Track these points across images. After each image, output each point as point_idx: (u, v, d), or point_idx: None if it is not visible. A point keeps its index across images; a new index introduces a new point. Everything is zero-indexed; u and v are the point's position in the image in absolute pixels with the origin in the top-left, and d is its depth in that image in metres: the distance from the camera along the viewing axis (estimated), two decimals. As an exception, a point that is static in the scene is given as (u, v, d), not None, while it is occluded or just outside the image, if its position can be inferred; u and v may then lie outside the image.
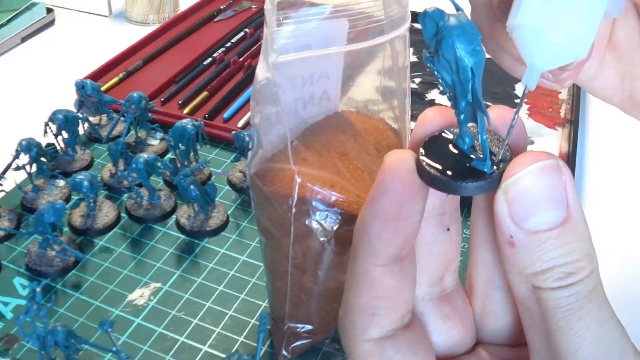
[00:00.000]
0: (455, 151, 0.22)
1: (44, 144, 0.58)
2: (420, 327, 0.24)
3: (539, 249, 0.20)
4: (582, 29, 0.21)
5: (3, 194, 0.57)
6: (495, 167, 0.21)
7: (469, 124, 0.22)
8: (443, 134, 0.22)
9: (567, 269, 0.20)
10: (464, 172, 0.21)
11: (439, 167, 0.21)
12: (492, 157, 0.21)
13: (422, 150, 0.22)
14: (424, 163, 0.21)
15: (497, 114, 0.23)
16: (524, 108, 0.72)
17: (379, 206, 0.21)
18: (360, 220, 0.22)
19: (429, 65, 0.21)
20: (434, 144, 0.22)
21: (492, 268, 0.24)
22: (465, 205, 0.25)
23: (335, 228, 0.37)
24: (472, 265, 0.25)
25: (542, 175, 0.20)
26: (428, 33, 0.21)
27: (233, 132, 0.60)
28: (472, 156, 0.21)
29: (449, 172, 0.21)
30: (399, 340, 0.22)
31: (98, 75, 0.75)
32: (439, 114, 0.23)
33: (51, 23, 0.89)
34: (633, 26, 0.28)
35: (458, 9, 0.21)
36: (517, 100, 0.74)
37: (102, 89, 0.68)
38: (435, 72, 0.21)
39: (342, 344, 0.24)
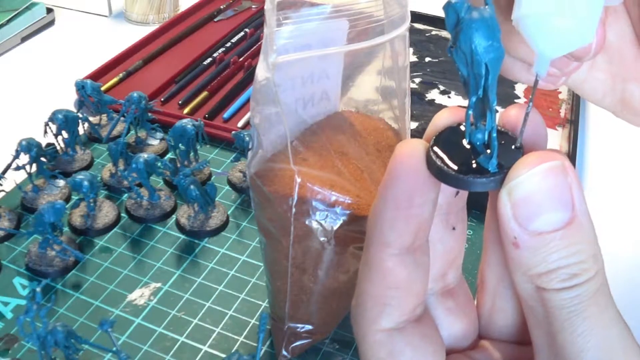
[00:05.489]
0: (468, 146, 0.22)
1: (44, 144, 0.58)
2: (432, 321, 0.24)
3: (543, 250, 0.20)
4: (585, 12, 0.21)
5: (3, 194, 0.57)
6: (501, 166, 0.21)
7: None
8: (460, 127, 0.22)
9: (572, 271, 0.20)
10: (471, 167, 0.21)
11: (447, 159, 0.21)
12: (500, 156, 0.21)
13: (433, 141, 0.22)
14: (433, 154, 0.21)
15: (515, 114, 0.23)
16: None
17: (391, 195, 0.21)
18: (372, 209, 0.22)
19: (449, 55, 0.21)
20: (447, 137, 0.22)
21: (503, 266, 0.24)
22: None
23: (335, 228, 0.37)
24: (484, 262, 0.25)
25: (546, 177, 0.20)
26: (449, 23, 0.21)
27: (233, 132, 0.60)
28: (481, 153, 0.21)
29: (455, 166, 0.21)
30: (410, 333, 0.22)
31: (98, 75, 0.75)
32: (454, 114, 0.23)
33: (51, 23, 0.89)
34: (623, 28, 0.28)
35: (487, 2, 0.20)
36: (517, 100, 0.74)
37: (102, 89, 0.68)
38: (455, 64, 0.21)
39: (354, 333, 0.23)
